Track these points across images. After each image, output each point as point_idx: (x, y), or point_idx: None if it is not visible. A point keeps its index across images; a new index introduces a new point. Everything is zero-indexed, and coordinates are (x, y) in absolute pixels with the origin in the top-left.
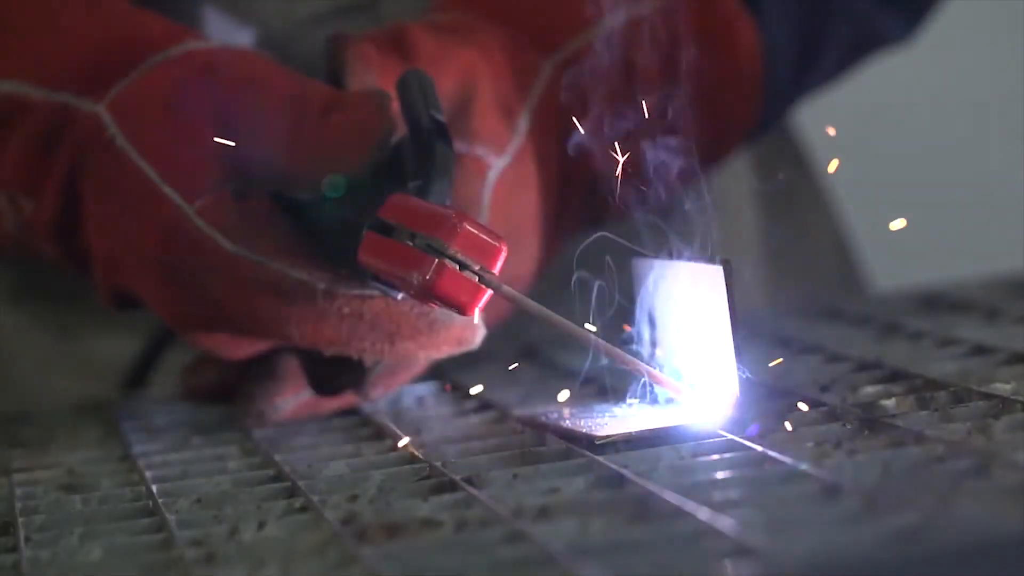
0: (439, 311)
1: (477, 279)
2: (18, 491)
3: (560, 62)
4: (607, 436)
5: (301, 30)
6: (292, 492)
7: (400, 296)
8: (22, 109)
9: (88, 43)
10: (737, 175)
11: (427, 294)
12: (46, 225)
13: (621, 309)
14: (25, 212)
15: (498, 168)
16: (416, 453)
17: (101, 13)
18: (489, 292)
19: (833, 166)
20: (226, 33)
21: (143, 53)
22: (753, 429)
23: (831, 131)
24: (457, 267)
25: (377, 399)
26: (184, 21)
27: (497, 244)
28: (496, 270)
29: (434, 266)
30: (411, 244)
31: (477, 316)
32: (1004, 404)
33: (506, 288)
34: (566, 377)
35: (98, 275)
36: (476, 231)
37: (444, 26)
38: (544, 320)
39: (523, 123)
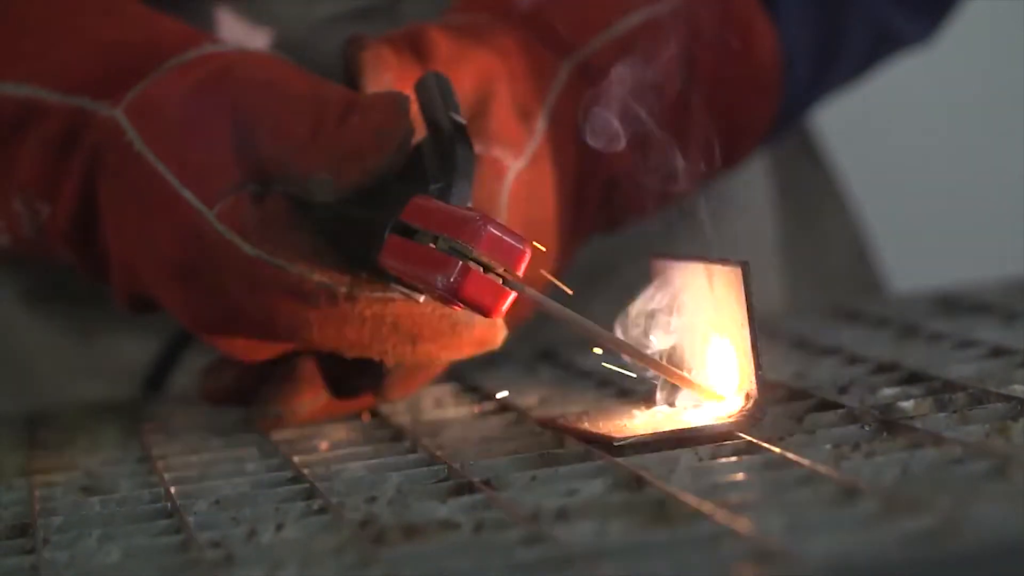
0: (461, 313)
1: (501, 281)
2: (36, 493)
3: (578, 63)
4: (626, 438)
5: (319, 32)
6: (310, 494)
7: (422, 298)
8: (38, 113)
9: (104, 46)
10: (755, 176)
11: (451, 297)
12: (63, 229)
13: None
14: (41, 216)
15: (516, 170)
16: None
17: (117, 16)
18: (514, 294)
19: None
20: (241, 35)
21: (160, 56)
22: (772, 426)
23: None
24: (481, 269)
25: (396, 401)
26: (199, 24)
27: (521, 247)
28: (520, 272)
29: (458, 268)
30: (434, 247)
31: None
32: (1022, 406)
33: (530, 290)
34: (585, 379)
35: (115, 279)
36: (500, 233)
37: (461, 27)
38: (567, 322)
39: (541, 124)
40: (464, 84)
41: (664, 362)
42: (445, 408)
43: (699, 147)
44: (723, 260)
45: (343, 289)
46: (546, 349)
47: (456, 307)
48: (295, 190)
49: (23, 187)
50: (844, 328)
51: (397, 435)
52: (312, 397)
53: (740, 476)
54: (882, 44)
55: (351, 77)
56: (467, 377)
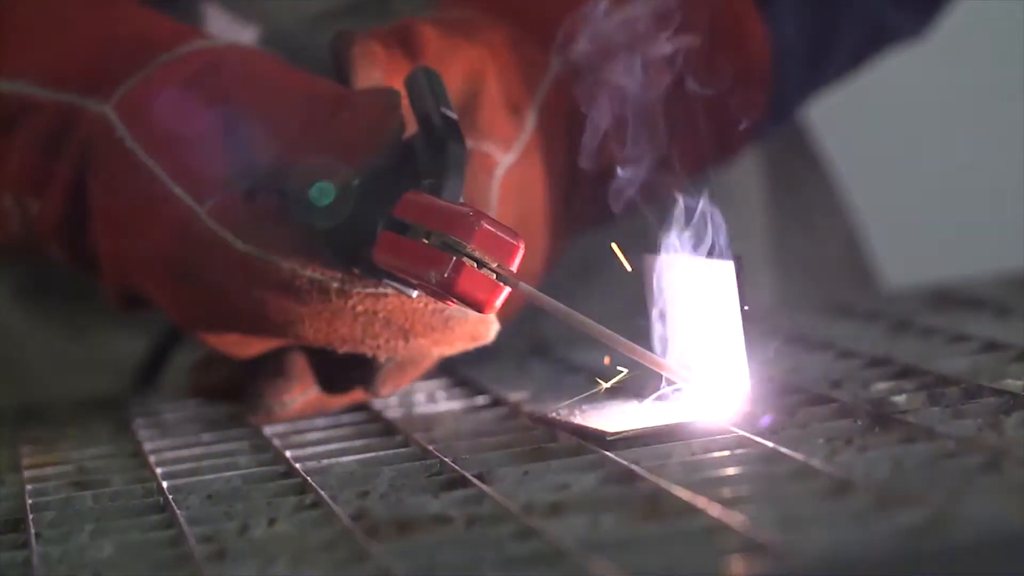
0: (454, 307)
1: (495, 277)
2: (29, 487)
3: (568, 59)
4: (618, 432)
5: (310, 28)
6: (303, 488)
7: (415, 294)
8: (28, 109)
9: (94, 42)
10: (748, 172)
11: (445, 292)
12: (53, 226)
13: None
14: (31, 212)
15: (505, 165)
16: None
17: (107, 12)
18: (507, 290)
19: None
20: (230, 31)
21: (150, 52)
22: (765, 421)
23: None
24: (475, 265)
25: (387, 395)
26: (189, 20)
27: (515, 242)
28: (514, 268)
29: (452, 264)
30: (427, 242)
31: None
32: (1015, 400)
33: (524, 285)
34: (577, 373)
35: (106, 275)
36: (494, 229)
37: (451, 23)
38: (561, 317)
39: (530, 119)
40: (453, 79)
41: (656, 356)
42: (437, 403)
43: (691, 142)
44: (715, 255)
45: (335, 285)
46: (538, 344)
47: (449, 302)
48: (286, 186)
49: (13, 184)
50: (837, 323)
51: (389, 430)
52: (301, 392)
53: (733, 470)
54: (875, 39)
55: (341, 73)
56: (459, 372)
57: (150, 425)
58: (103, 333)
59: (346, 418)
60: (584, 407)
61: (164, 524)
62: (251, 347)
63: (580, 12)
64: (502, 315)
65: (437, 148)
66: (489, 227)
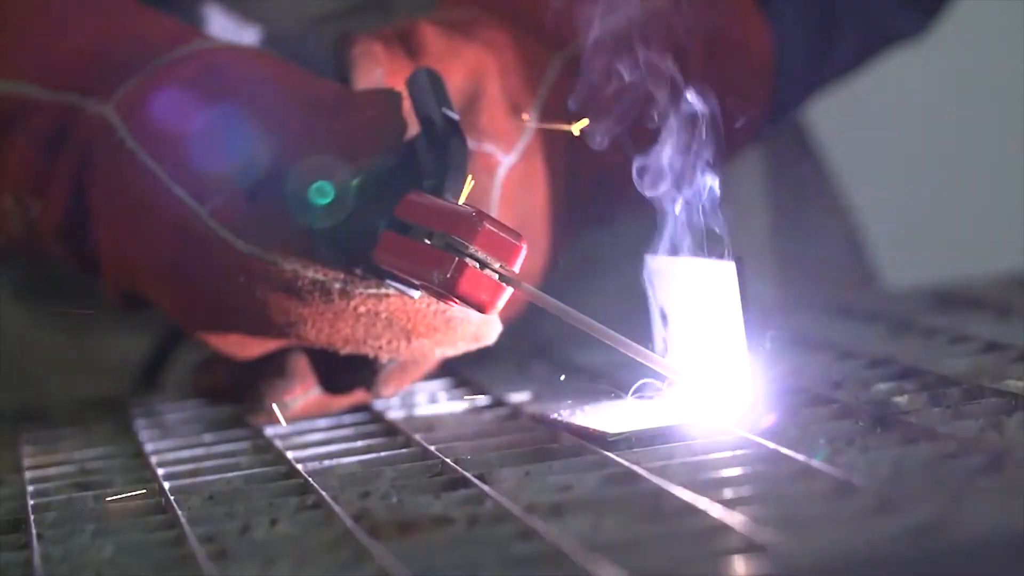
0: (455, 308)
1: (497, 277)
2: (30, 488)
3: (569, 58)
4: (620, 433)
5: (311, 29)
6: (304, 489)
7: (417, 294)
8: (27, 109)
9: (94, 43)
10: (749, 171)
11: (447, 293)
12: (53, 226)
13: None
14: (32, 213)
15: (507, 165)
16: None
17: (107, 13)
18: (509, 290)
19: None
20: (231, 32)
21: (150, 53)
22: (766, 422)
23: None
24: (477, 266)
25: (389, 396)
26: (190, 20)
27: (517, 242)
28: (516, 268)
29: (455, 265)
30: (429, 243)
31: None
32: (1016, 401)
33: (526, 286)
34: (579, 374)
35: (106, 276)
36: (496, 230)
37: (452, 23)
38: (564, 317)
39: (532, 120)
40: (454, 79)
41: (657, 357)
42: (439, 403)
43: (691, 141)
44: (717, 256)
45: (337, 285)
46: (539, 345)
47: (451, 303)
48: (288, 187)
49: (13, 184)
50: (838, 323)
51: (391, 430)
52: (303, 393)
53: (734, 471)
54: (876, 38)
55: (342, 73)
56: (460, 373)
57: (151, 426)
58: (103, 333)
59: (348, 419)
60: (585, 408)
61: (165, 525)
62: (253, 348)
63: (581, 11)
64: (504, 316)
65: (439, 148)
66: (491, 228)
